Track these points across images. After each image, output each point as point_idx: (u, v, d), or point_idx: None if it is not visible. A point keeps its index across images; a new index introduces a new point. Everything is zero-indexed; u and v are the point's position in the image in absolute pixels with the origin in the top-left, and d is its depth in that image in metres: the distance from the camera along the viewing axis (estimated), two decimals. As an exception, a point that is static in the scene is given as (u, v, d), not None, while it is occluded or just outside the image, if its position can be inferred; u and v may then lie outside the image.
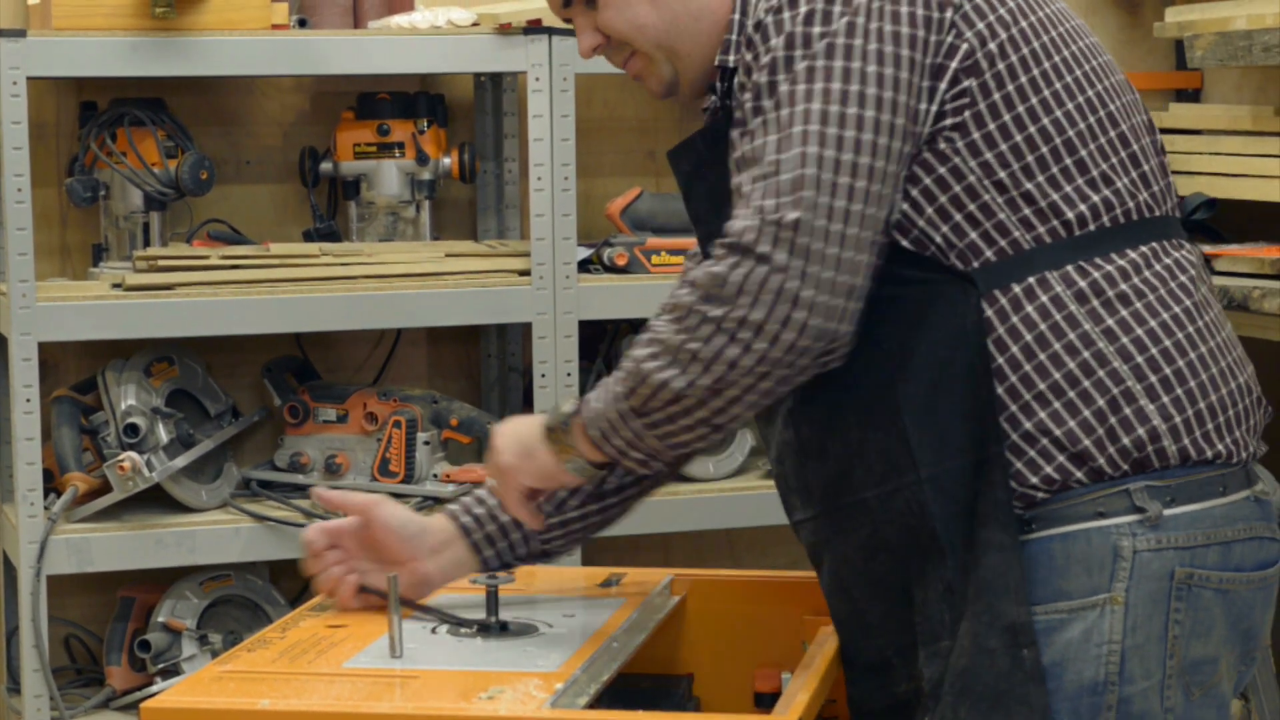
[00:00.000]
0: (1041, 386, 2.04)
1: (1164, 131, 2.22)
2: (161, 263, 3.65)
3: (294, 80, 4.05)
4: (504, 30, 3.73)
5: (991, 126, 2.05)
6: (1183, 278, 2.10)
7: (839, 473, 2.10)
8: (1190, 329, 2.08)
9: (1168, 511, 2.04)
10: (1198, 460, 2.05)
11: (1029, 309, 2.05)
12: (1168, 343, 2.06)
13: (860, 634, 2.17)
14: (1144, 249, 2.09)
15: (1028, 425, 2.04)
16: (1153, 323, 2.06)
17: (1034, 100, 2.06)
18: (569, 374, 3.77)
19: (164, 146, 3.77)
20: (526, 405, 4.01)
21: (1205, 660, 2.07)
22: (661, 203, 3.96)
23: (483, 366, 4.16)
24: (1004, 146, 2.05)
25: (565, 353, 3.77)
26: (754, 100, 2.04)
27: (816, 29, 2.02)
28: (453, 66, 3.84)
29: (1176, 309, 2.08)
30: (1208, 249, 3.56)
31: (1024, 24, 2.08)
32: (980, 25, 2.06)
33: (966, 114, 2.05)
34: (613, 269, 3.87)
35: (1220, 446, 2.07)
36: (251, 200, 4.03)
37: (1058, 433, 2.03)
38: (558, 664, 2.08)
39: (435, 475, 3.80)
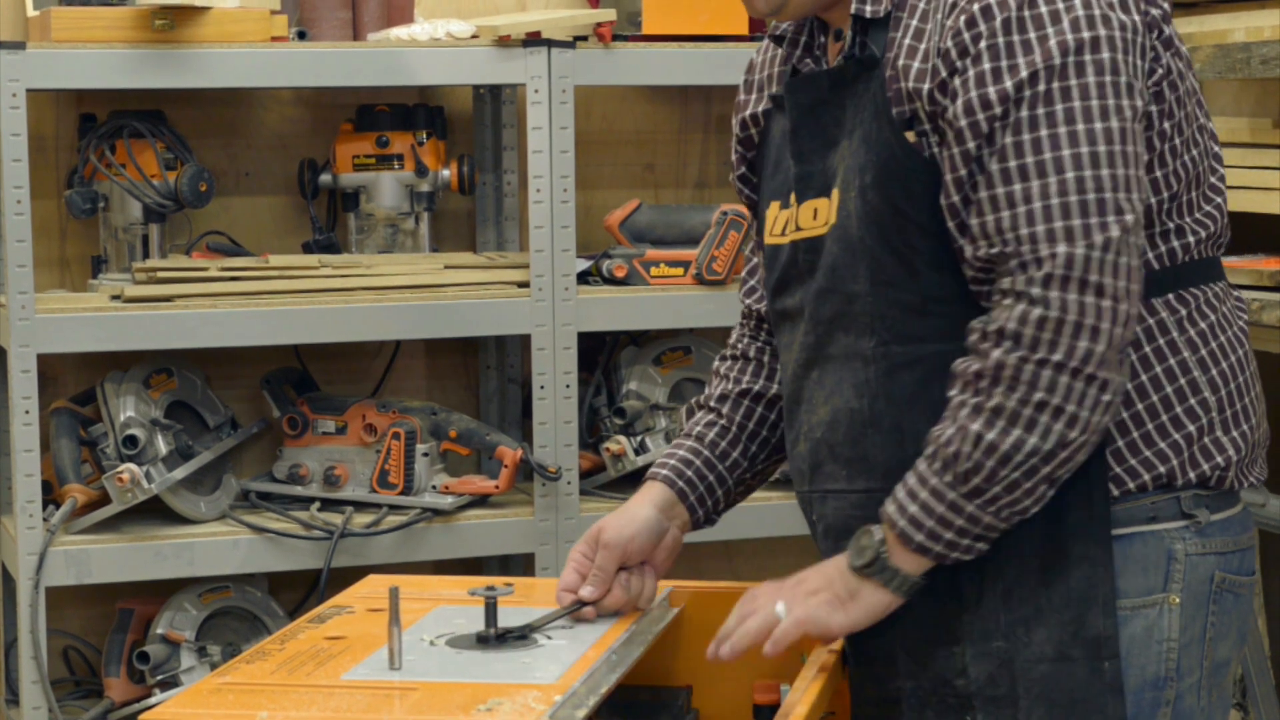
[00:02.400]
0: (1139, 406, 2.11)
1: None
2: (161, 274, 3.65)
3: (293, 92, 4.05)
4: (503, 42, 3.74)
5: (1157, 151, 2.09)
6: (1243, 314, 2.22)
7: (914, 453, 2.09)
8: (1251, 366, 2.20)
9: (1211, 519, 2.13)
10: (1245, 486, 2.18)
11: (1137, 329, 2.09)
12: (1242, 378, 2.17)
13: (879, 621, 2.15)
14: (1220, 283, 2.19)
15: (1120, 442, 2.10)
16: (1233, 357, 2.16)
17: (1187, 133, 2.12)
18: (568, 385, 3.77)
19: (163, 158, 3.77)
20: (525, 417, 4.01)
21: (1224, 662, 2.17)
22: (660, 214, 3.96)
23: (481, 378, 4.17)
24: (1158, 173, 2.10)
25: (564, 364, 3.77)
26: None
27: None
28: (452, 79, 3.85)
29: (1245, 345, 2.19)
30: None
31: (1184, 60, 2.12)
32: (1166, 55, 2.09)
33: (1145, 137, 2.08)
34: (612, 281, 3.87)
35: (1255, 475, 2.19)
36: (251, 212, 4.04)
37: (1148, 453, 2.10)
38: (556, 676, 2.08)
39: (434, 486, 3.80)
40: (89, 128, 3.82)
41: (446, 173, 3.95)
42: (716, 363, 2.49)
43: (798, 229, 2.21)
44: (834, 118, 2.17)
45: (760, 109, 2.33)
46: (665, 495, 2.36)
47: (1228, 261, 3.56)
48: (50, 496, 3.65)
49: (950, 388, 2.06)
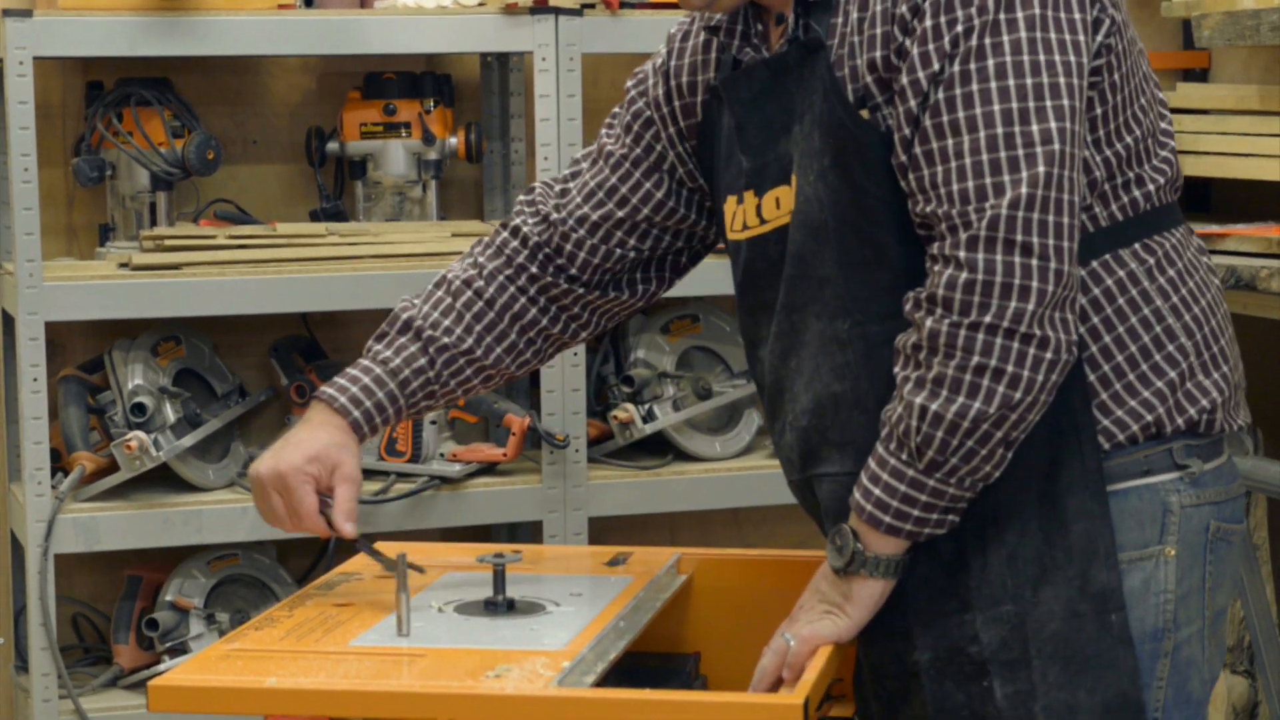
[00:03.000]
0: (1119, 358, 2.11)
1: (1172, 111, 2.24)
2: (168, 242, 3.65)
3: (300, 60, 4.05)
4: (510, 10, 3.73)
5: (1110, 103, 2.09)
6: (1206, 257, 2.21)
7: None
8: (1222, 308, 2.19)
9: (1204, 468, 2.14)
10: (1233, 431, 2.18)
11: (1109, 282, 2.11)
12: (1215, 321, 2.17)
13: (890, 599, 2.15)
14: (1181, 228, 2.19)
15: (1104, 395, 2.10)
16: (1204, 300, 2.16)
17: (1135, 81, 2.12)
18: (575, 353, 3.77)
19: (170, 126, 3.77)
20: (533, 385, 4.01)
21: (1221, 611, 2.18)
22: (668, 182, 3.95)
23: (489, 346, 4.16)
24: (1112, 125, 2.10)
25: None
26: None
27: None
28: (459, 46, 3.84)
29: (1213, 288, 2.19)
30: (1216, 229, 3.58)
31: (1123, 11, 2.12)
32: (1110, 7, 2.09)
33: (1098, 89, 2.08)
34: (619, 249, 3.86)
35: (1241, 419, 2.19)
36: (258, 180, 4.03)
37: (1133, 403, 2.10)
38: (565, 642, 2.09)
39: (442, 454, 3.80)
40: (96, 95, 3.81)
41: (454, 141, 3.94)
42: (457, 278, 2.41)
43: (762, 221, 2.20)
44: (780, 105, 2.16)
45: (701, 93, 2.30)
46: (347, 431, 2.34)
47: (1235, 229, 3.57)
48: (58, 464, 3.65)
49: (894, 364, 2.06)
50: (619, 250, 2.39)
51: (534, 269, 2.40)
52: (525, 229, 2.41)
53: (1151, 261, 2.13)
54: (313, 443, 2.32)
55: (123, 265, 3.63)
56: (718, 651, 2.42)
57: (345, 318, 4.04)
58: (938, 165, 2.01)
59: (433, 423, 3.79)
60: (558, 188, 2.43)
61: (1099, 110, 2.08)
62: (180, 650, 3.65)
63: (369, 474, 3.78)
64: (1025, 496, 2.09)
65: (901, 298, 2.07)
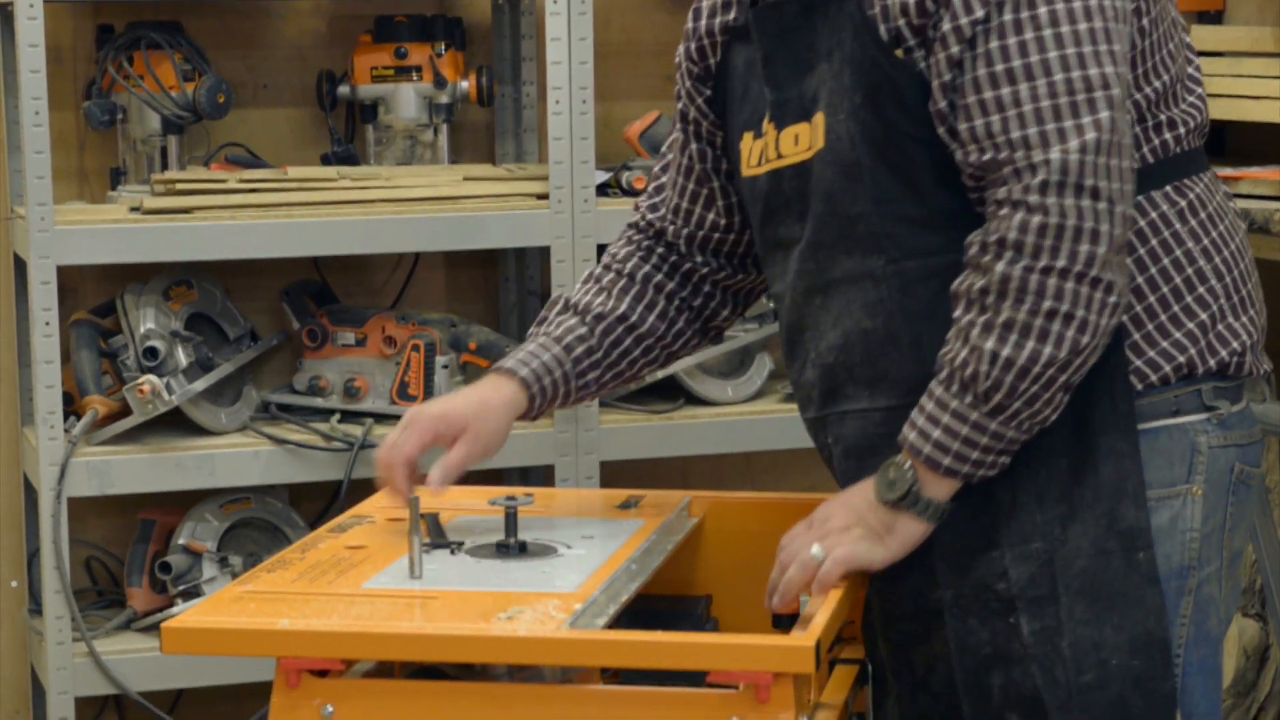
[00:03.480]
0: (1152, 299, 2.13)
1: (1186, 53, 2.26)
2: (180, 186, 3.65)
3: (311, 3, 4.03)
4: (522, -48, 3.71)
5: (1141, 47, 2.10)
6: (1232, 202, 2.23)
7: (934, 364, 2.10)
8: (1248, 253, 2.21)
9: (1232, 410, 2.16)
10: (1257, 374, 2.20)
11: (1142, 224, 2.12)
12: (1243, 264, 2.19)
13: None
14: (1208, 173, 2.20)
15: (1136, 335, 2.12)
16: (1233, 245, 2.18)
17: (1164, 25, 2.13)
18: (587, 297, 3.77)
19: (181, 70, 3.76)
20: (545, 329, 4.01)
21: (1238, 552, 2.21)
22: (680, 126, 3.94)
23: (501, 290, 4.16)
24: (1144, 68, 2.11)
25: (584, 276, 3.75)
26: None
27: None
28: (470, -11, 3.83)
29: (1240, 233, 2.21)
30: (1230, 172, 3.57)
31: None
32: None
33: (1131, 33, 2.08)
34: (631, 192, 3.86)
35: (1265, 363, 2.21)
36: (269, 124, 4.02)
37: (1165, 344, 2.13)
38: (576, 585, 2.09)
39: (454, 399, 3.80)
40: (106, 39, 3.81)
41: (465, 84, 3.93)
42: (599, 269, 2.48)
43: (779, 156, 2.20)
44: (806, 42, 2.17)
45: (719, 34, 2.31)
46: (518, 395, 2.36)
47: (1250, 172, 3.56)
48: (71, 408, 3.65)
49: (954, 308, 2.06)
50: (708, 227, 2.42)
51: (660, 249, 2.45)
52: (644, 219, 2.47)
53: (1183, 204, 2.15)
54: (455, 400, 2.37)
55: (134, 209, 3.63)
56: (729, 594, 2.42)
57: (357, 261, 4.03)
58: (994, 114, 2.02)
59: (444, 367, 3.79)
60: (657, 172, 2.48)
61: (1133, 53, 2.09)
62: (193, 593, 3.66)
63: (380, 418, 3.79)
64: (1056, 435, 2.09)
65: (936, 235, 2.09)
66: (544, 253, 3.84)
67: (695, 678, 1.94)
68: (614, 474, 3.84)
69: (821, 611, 2.03)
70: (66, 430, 3.58)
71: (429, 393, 3.77)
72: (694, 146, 2.40)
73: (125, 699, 3.74)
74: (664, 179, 2.46)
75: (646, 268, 2.45)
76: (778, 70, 2.20)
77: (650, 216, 2.47)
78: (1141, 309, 2.12)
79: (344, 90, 3.94)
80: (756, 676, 1.90)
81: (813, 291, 2.20)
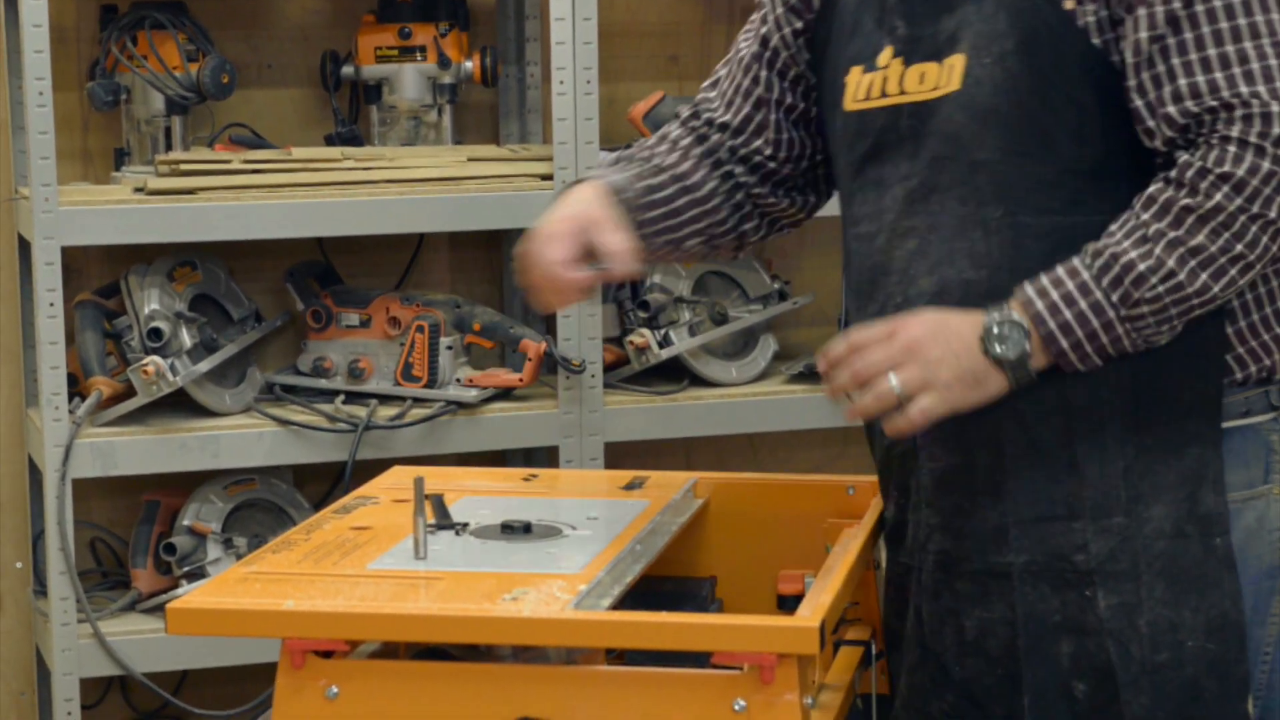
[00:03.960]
0: (1248, 296, 2.12)
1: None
2: (184, 167, 3.64)
3: (315, -17, 4.03)
4: (526, -68, 3.71)
5: None
6: None
7: None
8: None
9: None
10: None
11: None
12: None
13: (988, 497, 2.14)
14: None
15: (1241, 323, 2.12)
16: None
17: None
18: (592, 278, 3.76)
19: (185, 50, 3.76)
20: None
21: None
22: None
23: (505, 271, 4.16)
24: None
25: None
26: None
27: None
28: (474, -31, 3.82)
29: None
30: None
31: None
32: None
33: None
34: (635, 173, 3.85)
35: None
36: (273, 104, 4.02)
37: (1253, 343, 2.12)
38: (581, 566, 2.09)
39: (458, 380, 3.80)
40: (110, 19, 3.80)
41: (469, 64, 3.93)
42: (653, 139, 2.43)
43: (902, 92, 2.17)
44: None
45: None
46: (594, 185, 2.32)
47: None
48: (75, 389, 3.65)
49: (1142, 209, 2.04)
50: (751, 149, 2.39)
51: (711, 141, 2.40)
52: (686, 115, 2.42)
53: None
54: (564, 208, 2.28)
55: (138, 190, 3.62)
56: (733, 575, 2.42)
57: (361, 242, 4.03)
58: (1218, 71, 2.01)
59: (449, 348, 3.79)
60: (706, 87, 2.45)
61: None
62: (198, 574, 3.66)
63: (384, 399, 3.79)
64: (1146, 411, 2.09)
65: (1060, 194, 2.07)
66: (548, 234, 3.83)
67: (700, 659, 1.94)
68: (618, 455, 3.84)
69: (826, 593, 2.03)
70: (71, 411, 3.58)
71: (433, 374, 3.77)
72: (762, 73, 2.37)
73: (130, 680, 3.74)
74: (712, 94, 2.43)
75: (701, 148, 2.41)
76: (915, 6, 2.16)
77: (695, 124, 2.43)
78: (1251, 297, 2.12)
79: (348, 70, 3.94)
80: (761, 657, 1.90)
81: (908, 234, 2.16)
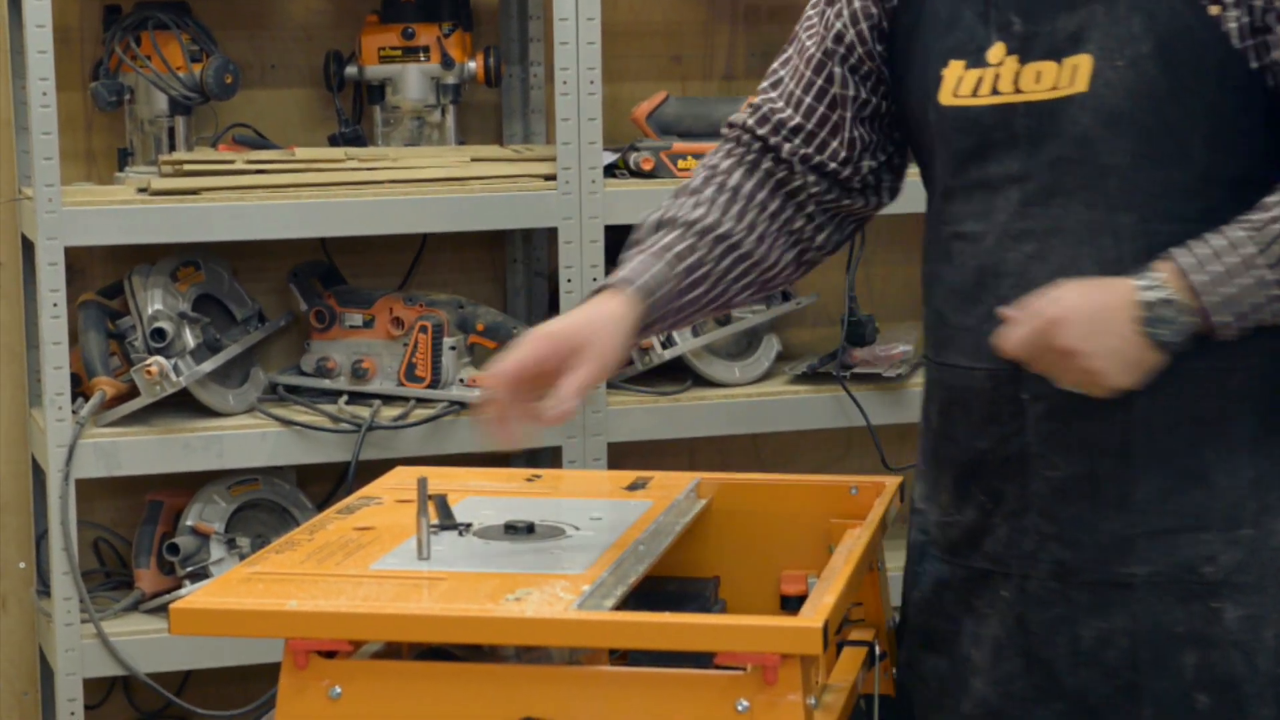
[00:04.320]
0: None
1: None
2: (187, 167, 3.65)
3: (318, -17, 4.03)
4: (529, -68, 3.71)
5: None
6: None
7: None
8: None
9: None
10: None
11: None
12: None
13: (1113, 508, 2.11)
14: None
15: None
16: None
17: None
18: (595, 279, 3.76)
19: (188, 50, 3.76)
20: (552, 310, 4.01)
21: None
22: (688, 107, 3.93)
23: (508, 271, 4.16)
24: None
25: (591, 257, 3.76)
26: None
27: None
28: (478, -31, 3.82)
29: None
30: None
31: None
32: None
33: None
34: (639, 174, 3.86)
35: None
36: (276, 105, 4.02)
37: None
38: (585, 566, 2.09)
39: (461, 380, 3.80)
40: (114, 19, 3.80)
41: (473, 65, 3.93)
42: (698, 181, 2.33)
43: (1017, 90, 2.11)
44: None
45: None
46: (631, 309, 2.19)
47: None
48: (79, 389, 3.66)
49: None
50: (827, 154, 2.30)
51: (768, 163, 2.32)
52: (752, 132, 2.32)
53: None
54: (566, 319, 2.18)
55: (141, 190, 3.63)
56: (737, 575, 2.42)
57: (364, 243, 4.03)
58: None
59: (452, 348, 3.79)
60: (766, 88, 2.35)
61: None
62: (201, 575, 3.66)
63: (387, 399, 3.79)
64: (1274, 423, 2.08)
65: (1195, 201, 2.03)
66: (551, 234, 3.84)
67: (703, 659, 1.93)
68: (621, 455, 3.84)
69: (829, 594, 2.03)
70: (74, 411, 3.58)
71: (436, 374, 3.77)
72: (837, 71, 2.27)
73: (133, 680, 3.74)
74: (774, 94, 2.32)
75: (750, 183, 2.31)
76: (1033, 3, 2.10)
77: (760, 131, 2.32)
78: None
79: (351, 71, 3.94)
80: (764, 658, 1.90)
81: (1025, 237, 2.11)
